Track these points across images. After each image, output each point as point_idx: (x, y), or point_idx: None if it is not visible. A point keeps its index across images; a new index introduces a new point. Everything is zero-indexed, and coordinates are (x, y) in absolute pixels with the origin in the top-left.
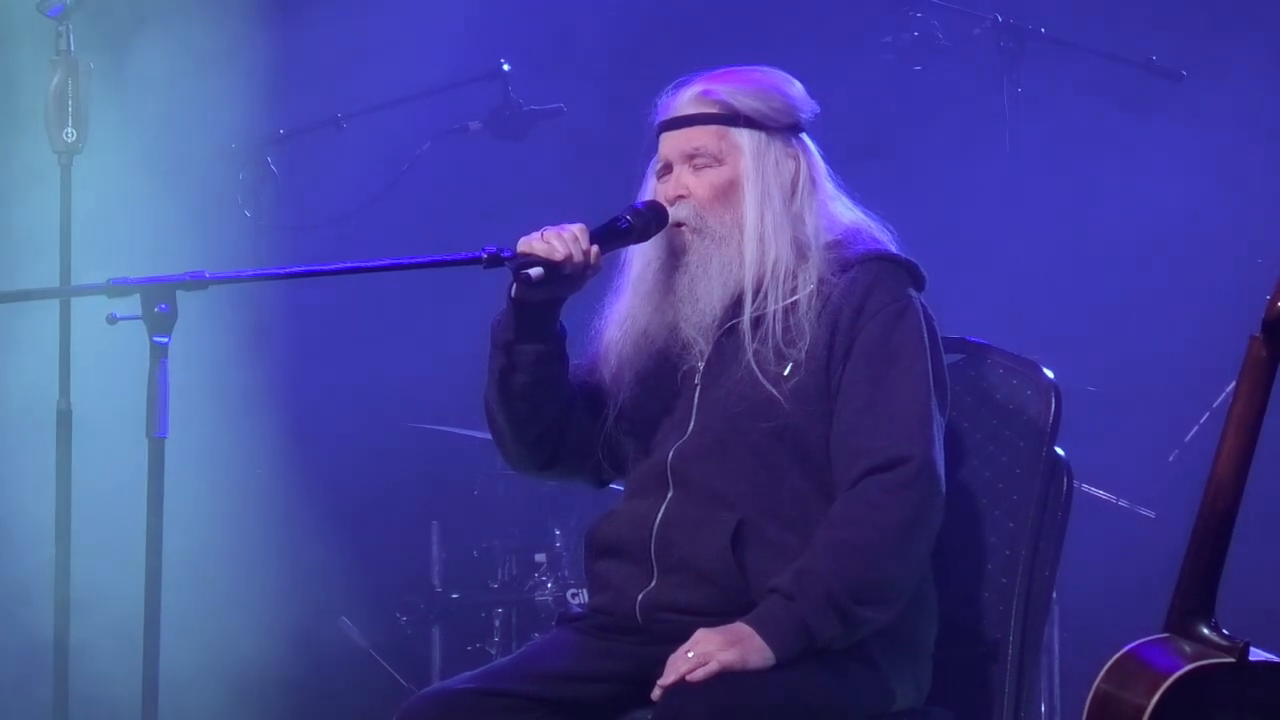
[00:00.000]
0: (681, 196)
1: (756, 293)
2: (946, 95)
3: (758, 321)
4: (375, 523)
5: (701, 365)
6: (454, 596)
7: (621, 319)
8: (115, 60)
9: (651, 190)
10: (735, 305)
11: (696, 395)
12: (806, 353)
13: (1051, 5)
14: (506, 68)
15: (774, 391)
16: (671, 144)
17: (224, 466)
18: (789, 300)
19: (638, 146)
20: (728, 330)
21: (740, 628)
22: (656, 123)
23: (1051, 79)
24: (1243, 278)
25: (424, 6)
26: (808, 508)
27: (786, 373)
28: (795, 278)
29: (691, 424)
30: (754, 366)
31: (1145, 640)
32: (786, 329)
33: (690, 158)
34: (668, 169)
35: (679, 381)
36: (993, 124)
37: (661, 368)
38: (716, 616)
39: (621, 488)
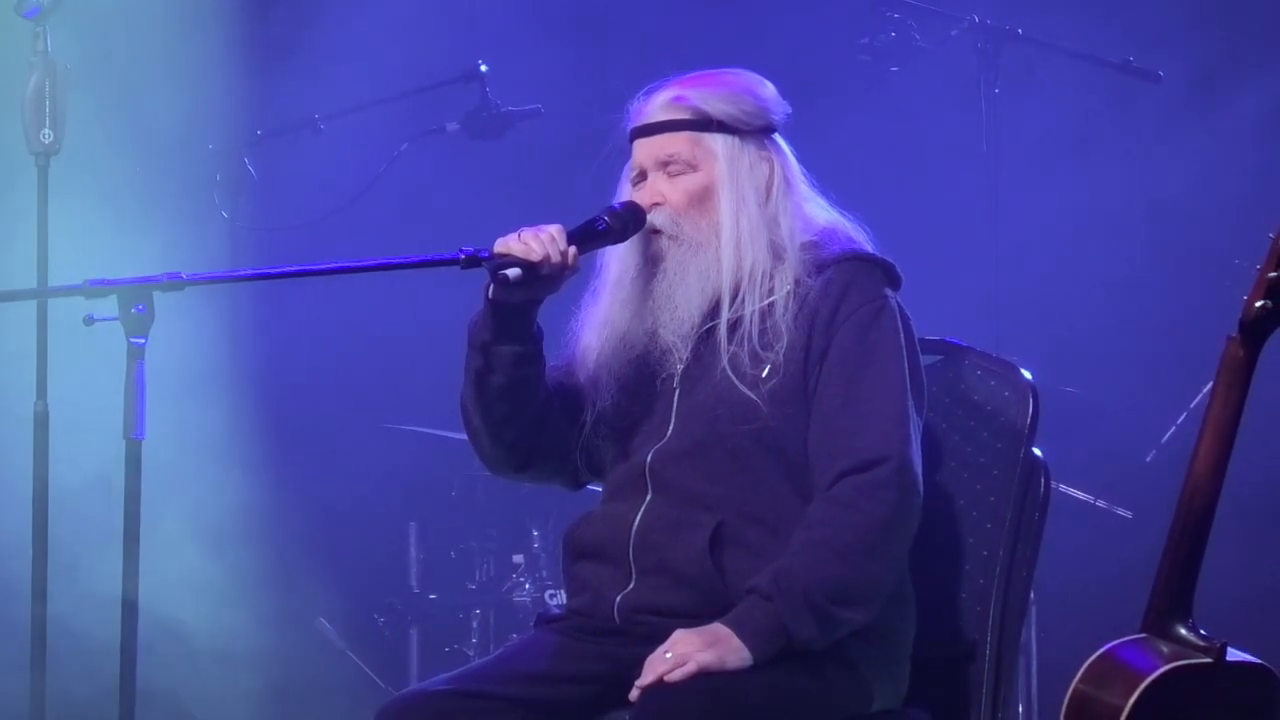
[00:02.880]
0: (657, 204)
1: (734, 297)
2: (924, 96)
3: (735, 325)
4: (352, 524)
5: (680, 369)
6: (432, 598)
7: (599, 324)
8: (92, 62)
9: (627, 196)
10: (713, 310)
11: (675, 399)
12: (784, 355)
13: (1029, 7)
14: (484, 69)
15: (751, 395)
16: (645, 151)
17: (201, 468)
18: (765, 302)
19: (615, 147)
20: (705, 334)
21: (718, 629)
22: (628, 129)
23: (1029, 80)
24: (1220, 278)
25: (402, 8)
26: (786, 510)
27: (764, 375)
28: (772, 279)
29: (670, 427)
30: (729, 370)
31: (1123, 640)
32: (763, 331)
33: (664, 164)
34: (642, 175)
35: (658, 385)
36: (970, 125)
37: (640, 372)
38: (695, 619)
39: (599, 489)
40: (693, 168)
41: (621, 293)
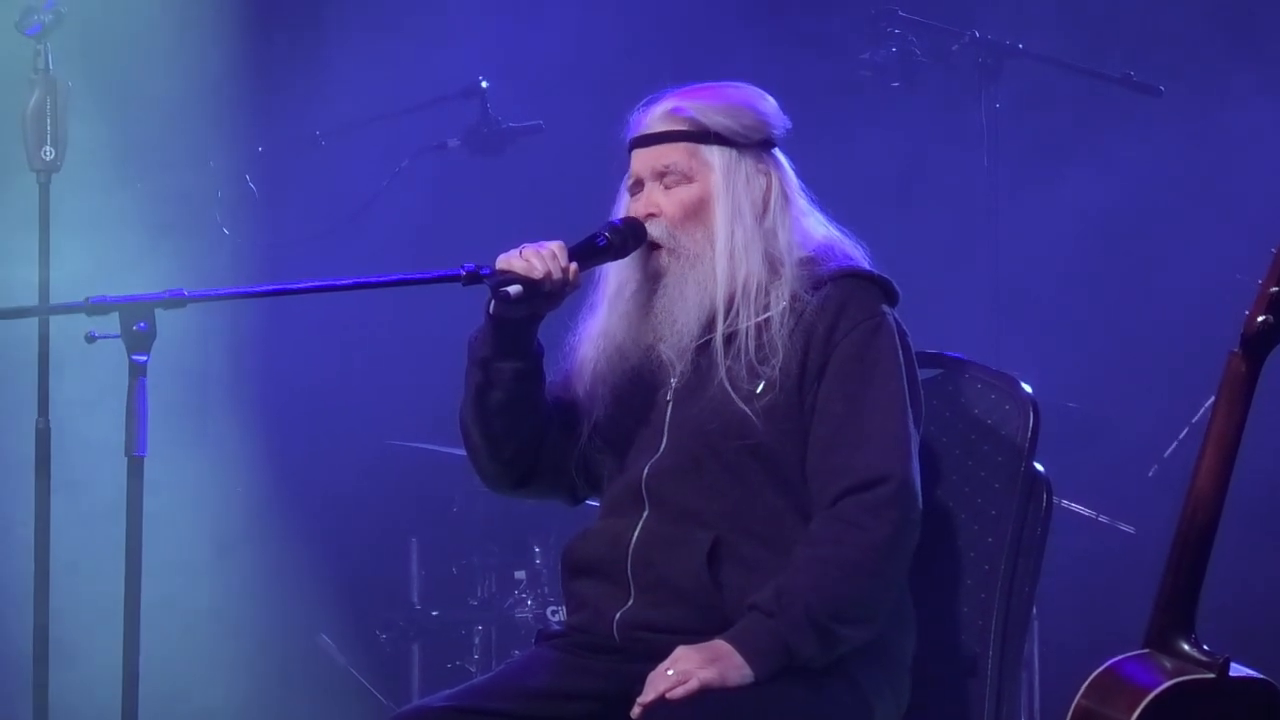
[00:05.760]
0: (653, 215)
1: (729, 310)
2: (925, 110)
3: (730, 338)
4: (354, 540)
5: (674, 382)
6: (434, 614)
7: (596, 336)
8: (94, 79)
9: (624, 206)
10: (709, 323)
11: (669, 412)
12: (780, 370)
13: (1030, 21)
14: (485, 85)
15: (746, 410)
16: (642, 161)
17: (203, 484)
18: (762, 317)
19: (616, 163)
20: (701, 347)
21: (720, 645)
22: (627, 139)
23: (1030, 95)
24: (1222, 293)
25: (402, 23)
26: (782, 525)
27: (759, 390)
28: (768, 294)
29: (664, 442)
30: (726, 384)
31: (1125, 656)
32: (760, 346)
33: (661, 175)
34: (639, 185)
35: (652, 399)
36: (971, 139)
37: (635, 385)
38: (693, 635)
39: (597, 504)
40: (689, 179)
41: (620, 305)
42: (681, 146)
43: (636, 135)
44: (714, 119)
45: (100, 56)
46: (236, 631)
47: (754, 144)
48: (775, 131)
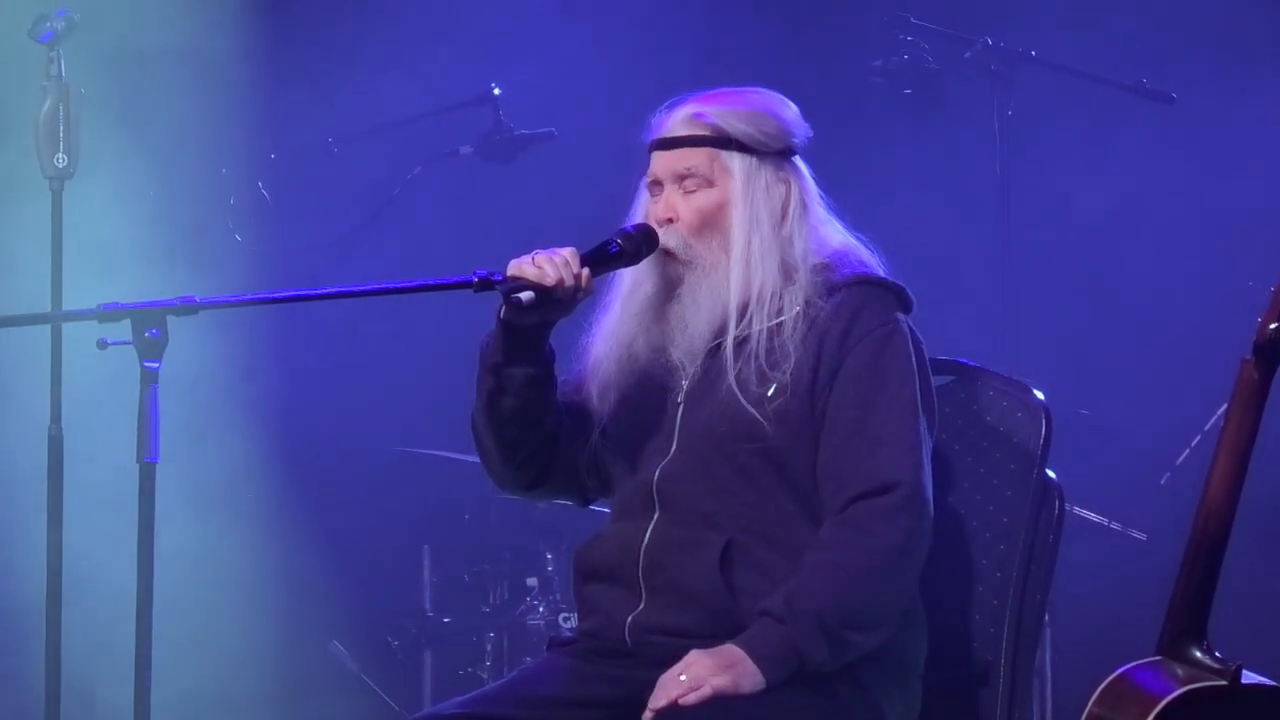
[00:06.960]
0: (670, 220)
1: (741, 316)
2: (936, 118)
3: (742, 342)
4: (366, 547)
5: (685, 385)
6: (445, 620)
7: (607, 336)
8: (106, 86)
9: (642, 206)
10: (721, 327)
11: (679, 415)
12: (791, 375)
13: (1042, 28)
14: (497, 91)
15: (756, 413)
16: (663, 163)
17: (215, 491)
18: (774, 321)
19: (629, 170)
20: (712, 351)
21: (732, 651)
22: (648, 140)
23: (1042, 102)
24: (1234, 300)
25: (414, 30)
26: (794, 528)
27: (770, 394)
28: (781, 299)
29: (674, 444)
30: (735, 388)
31: (1138, 663)
32: (771, 350)
33: (681, 178)
34: (658, 186)
35: (663, 401)
36: (983, 147)
37: (646, 387)
38: (705, 639)
39: (607, 510)
40: (709, 184)
41: (632, 307)
42: (703, 151)
43: (658, 137)
44: (736, 126)
45: (113, 63)
46: (248, 638)
47: (774, 152)
48: (796, 139)
